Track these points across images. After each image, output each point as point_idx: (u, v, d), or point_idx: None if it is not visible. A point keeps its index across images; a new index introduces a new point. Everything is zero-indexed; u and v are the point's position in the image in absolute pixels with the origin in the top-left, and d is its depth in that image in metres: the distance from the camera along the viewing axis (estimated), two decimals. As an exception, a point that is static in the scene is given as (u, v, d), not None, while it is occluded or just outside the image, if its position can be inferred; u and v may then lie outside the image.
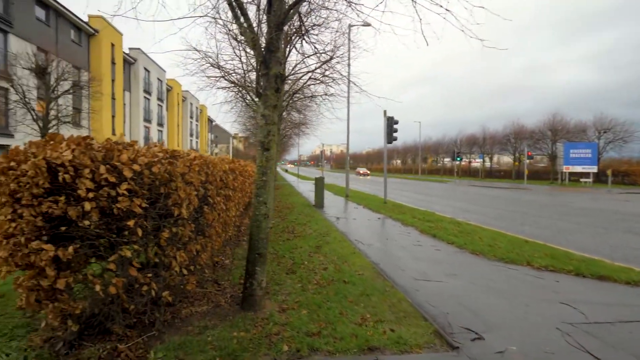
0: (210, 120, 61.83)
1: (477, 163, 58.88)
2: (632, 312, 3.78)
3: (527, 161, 37.31)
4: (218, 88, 9.87)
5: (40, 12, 19.79)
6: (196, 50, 8.71)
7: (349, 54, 10.11)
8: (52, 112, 14.45)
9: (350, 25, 9.85)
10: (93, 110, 18.70)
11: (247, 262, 3.79)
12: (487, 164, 56.43)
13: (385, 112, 13.50)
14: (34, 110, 14.22)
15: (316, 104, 12.12)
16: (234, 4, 3.64)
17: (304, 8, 6.27)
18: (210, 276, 4.50)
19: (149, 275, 2.77)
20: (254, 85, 10.41)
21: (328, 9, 6.21)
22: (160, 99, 36.80)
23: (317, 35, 7.58)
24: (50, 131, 14.64)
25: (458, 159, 46.52)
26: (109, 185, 2.48)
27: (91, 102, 18.70)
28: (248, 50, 8.74)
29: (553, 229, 9.21)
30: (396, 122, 13.81)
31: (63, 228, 2.46)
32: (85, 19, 23.71)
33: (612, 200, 18.67)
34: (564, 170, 35.93)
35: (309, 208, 12.00)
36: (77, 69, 20.99)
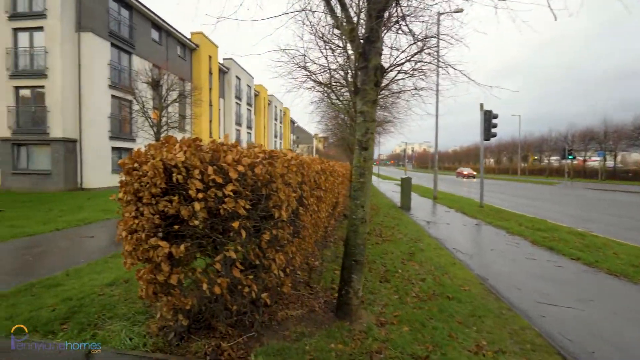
0: (292, 122, 64.69)
1: (594, 162, 49.68)
2: None
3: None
4: (305, 89, 10.00)
5: (155, 34, 22.96)
6: (284, 51, 8.93)
7: (438, 44, 9.31)
8: (164, 119, 16.56)
9: (439, 13, 9.07)
10: (195, 116, 21.00)
11: (343, 268, 3.58)
12: (610, 162, 47.01)
13: (482, 105, 12.15)
14: (150, 118, 16.48)
15: (405, 100, 11.49)
16: (331, -4, 3.46)
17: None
18: (302, 278, 4.44)
19: (250, 277, 2.74)
20: (340, 83, 10.35)
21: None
22: (249, 104, 39.75)
23: (407, 25, 7.10)
24: (162, 136, 16.82)
25: (570, 157, 39.39)
26: (215, 186, 2.49)
27: (193, 109, 21.02)
28: (335, 49, 8.67)
29: None
30: (495, 117, 12.33)
31: (176, 227, 2.56)
32: (189, 36, 26.81)
33: None
34: None
35: (394, 210, 11.46)
36: (182, 80, 23.80)
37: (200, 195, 2.44)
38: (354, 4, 4.60)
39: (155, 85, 16.35)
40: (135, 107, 17.62)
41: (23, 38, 16.78)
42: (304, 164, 3.66)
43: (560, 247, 6.31)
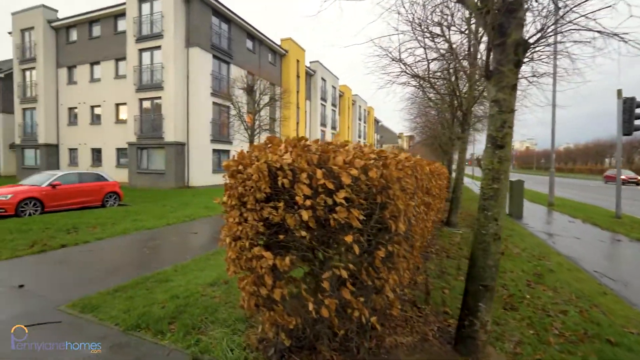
0: (376, 121, 63.56)
1: None
2: None
3: None
4: (398, 84, 9.32)
5: (249, 44, 24.65)
6: (374, 43, 8.41)
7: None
8: (256, 122, 17.56)
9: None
10: (285, 118, 21.90)
11: (466, 293, 2.93)
12: None
13: (619, 91, 9.79)
14: (245, 121, 17.63)
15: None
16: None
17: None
18: (407, 296, 3.89)
19: (361, 299, 2.33)
20: (436, 76, 9.40)
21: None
22: (333, 105, 40.18)
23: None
24: (255, 138, 17.85)
25: None
26: (325, 192, 2.14)
27: (283, 111, 21.96)
28: (436, 37, 7.84)
29: None
30: (638, 105, 9.82)
31: (281, 236, 2.29)
32: (278, 42, 28.17)
33: None
34: None
35: (500, 217, 9.94)
36: (272, 85, 25.17)
37: (308, 203, 2.11)
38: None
39: (249, 90, 17.42)
40: (232, 112, 19.10)
41: (146, 57, 19.59)
42: (416, 166, 3.11)
43: None
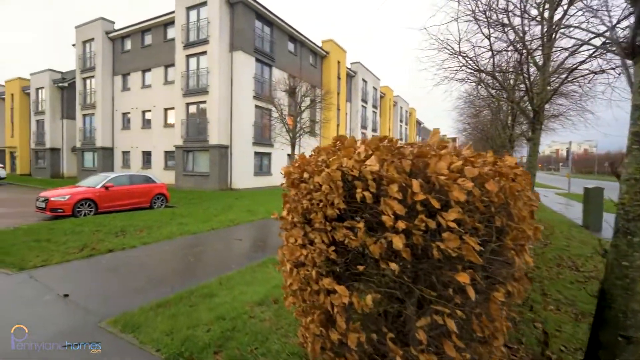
0: (418, 123, 61.46)
1: None
2: None
3: None
4: (456, 80, 8.46)
5: (290, 46, 24.62)
6: (429, 33, 7.65)
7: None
8: (298, 125, 17.32)
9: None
10: (326, 120, 21.55)
11: (595, 344, 2.20)
12: None
13: None
14: (287, 123, 17.47)
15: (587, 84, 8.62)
16: None
17: None
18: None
19: (467, 356, 1.71)
20: (503, 71, 8.41)
21: None
22: (374, 106, 39.25)
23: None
24: (297, 141, 17.60)
25: None
26: (425, 212, 1.56)
27: (325, 113, 21.62)
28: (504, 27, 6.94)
29: None
30: None
31: (360, 267, 1.74)
32: (319, 44, 27.92)
33: None
34: None
35: (576, 230, 8.68)
36: (313, 87, 24.95)
37: (400, 225, 1.54)
38: None
39: (292, 92, 17.24)
40: (274, 114, 19.06)
41: (192, 62, 20.17)
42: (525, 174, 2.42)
43: None
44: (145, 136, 23.57)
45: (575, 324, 3.48)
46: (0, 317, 3.38)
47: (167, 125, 22.48)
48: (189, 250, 5.95)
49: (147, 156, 23.84)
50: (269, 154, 22.17)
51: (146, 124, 23.81)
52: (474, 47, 7.91)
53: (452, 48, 7.85)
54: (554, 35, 7.11)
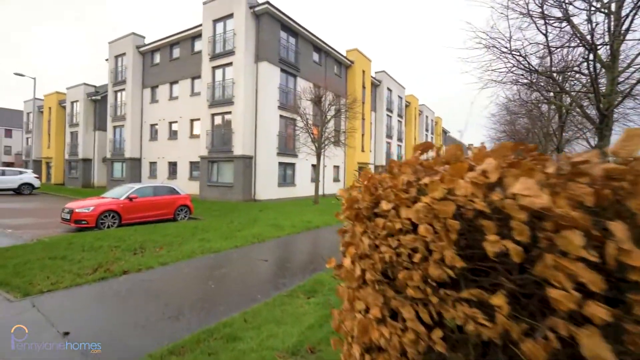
0: (444, 132, 59.70)
1: None
2: None
3: None
4: (502, 83, 7.58)
5: (315, 56, 24.31)
6: (472, 29, 6.85)
7: None
8: (324, 134, 16.78)
9: None
10: (353, 129, 20.91)
11: None
12: None
13: None
14: (312, 133, 16.95)
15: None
16: None
17: None
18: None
19: None
20: (563, 70, 7.45)
21: None
22: (399, 115, 38.28)
23: None
24: (323, 151, 16.99)
25: None
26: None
27: (351, 122, 21.00)
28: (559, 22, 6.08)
29: None
30: None
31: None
32: (344, 53, 27.51)
33: None
34: None
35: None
36: (337, 97, 24.46)
37: (597, 313, 0.80)
38: None
39: (317, 101, 16.76)
40: (299, 124, 18.61)
41: (218, 73, 20.18)
42: None
43: None
44: (172, 147, 23.77)
45: None
46: (-12, 361, 2.86)
47: (192, 136, 22.56)
48: (210, 273, 5.35)
49: (172, 167, 23.99)
50: (292, 165, 21.69)
51: (172, 135, 24.04)
52: (523, 45, 7.04)
53: (498, 48, 7.02)
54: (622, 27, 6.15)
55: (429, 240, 1.04)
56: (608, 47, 6.19)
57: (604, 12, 6.18)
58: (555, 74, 6.84)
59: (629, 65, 6.72)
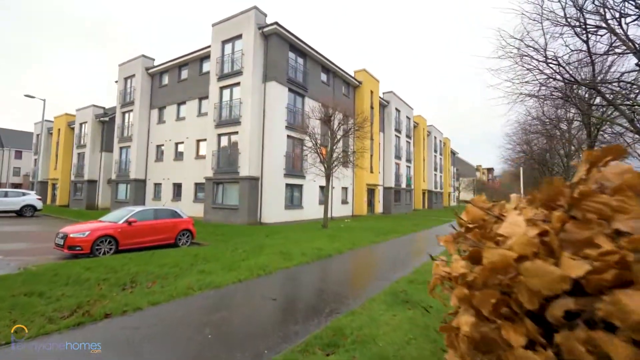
0: (452, 153, 58.95)
1: None
2: None
3: None
4: (536, 96, 6.87)
5: (323, 77, 24.11)
6: (501, 35, 6.20)
7: None
8: (335, 155, 16.13)
9: None
10: (364, 150, 20.27)
11: None
12: None
13: None
14: (321, 154, 16.32)
15: None
16: None
17: None
18: None
19: None
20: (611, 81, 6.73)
21: None
22: (408, 136, 37.75)
23: None
24: (333, 172, 16.29)
25: None
26: None
27: (362, 141, 20.41)
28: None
29: None
30: None
31: None
32: (352, 73, 27.35)
33: None
34: None
35: None
36: (346, 117, 24.02)
37: None
38: None
39: (327, 120, 16.24)
40: (307, 144, 18.03)
41: (226, 93, 19.92)
42: None
43: None
44: (177, 168, 23.32)
45: None
46: None
47: (198, 156, 22.12)
48: (208, 318, 4.50)
49: (177, 188, 23.45)
50: (300, 186, 20.97)
51: (178, 155, 23.66)
52: (556, 55, 6.38)
53: (534, 57, 6.35)
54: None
55: None
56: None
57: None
58: (599, 85, 6.11)
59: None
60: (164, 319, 4.41)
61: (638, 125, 6.10)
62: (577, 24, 5.85)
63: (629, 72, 5.97)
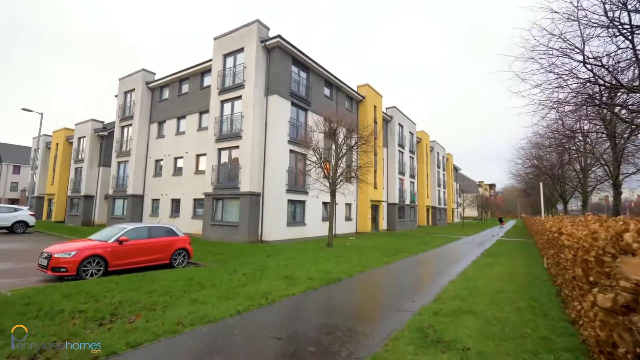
0: (455, 169, 58.34)
1: None
2: None
3: None
4: (572, 103, 6.21)
5: (326, 91, 23.71)
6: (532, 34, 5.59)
7: None
8: (340, 169, 15.44)
9: None
10: (369, 164, 19.60)
11: None
12: None
13: None
14: (324, 169, 15.63)
15: None
16: None
17: None
18: None
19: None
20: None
21: None
22: (411, 151, 37.19)
23: None
24: (338, 187, 15.54)
25: None
26: None
27: (366, 156, 19.76)
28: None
29: None
30: None
31: None
32: (355, 88, 27.00)
33: None
34: None
35: None
36: (349, 132, 23.48)
37: None
38: None
39: (332, 134, 15.62)
40: (311, 158, 17.38)
41: (227, 107, 19.42)
42: None
43: None
44: (176, 183, 22.60)
45: None
46: None
47: (198, 171, 21.43)
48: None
49: (176, 204, 22.65)
50: (302, 202, 20.18)
51: (177, 170, 22.98)
52: (593, 56, 5.77)
53: (572, 57, 5.73)
54: None
55: None
56: None
57: None
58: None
59: None
60: (144, 368, 3.57)
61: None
62: (619, 22, 5.25)
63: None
